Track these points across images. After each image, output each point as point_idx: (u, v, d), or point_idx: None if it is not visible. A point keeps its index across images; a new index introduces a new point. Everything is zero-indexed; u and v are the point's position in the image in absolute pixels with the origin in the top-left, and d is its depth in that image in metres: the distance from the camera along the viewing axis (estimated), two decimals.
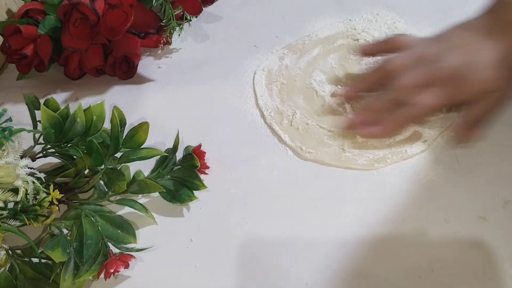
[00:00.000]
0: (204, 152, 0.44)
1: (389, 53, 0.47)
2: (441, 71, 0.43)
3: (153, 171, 0.44)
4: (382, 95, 0.45)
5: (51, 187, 0.38)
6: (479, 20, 0.44)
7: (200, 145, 0.44)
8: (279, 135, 0.46)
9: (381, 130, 0.43)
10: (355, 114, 0.46)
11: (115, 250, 0.38)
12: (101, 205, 0.41)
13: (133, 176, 0.43)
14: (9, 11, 0.57)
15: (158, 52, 0.58)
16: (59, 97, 0.53)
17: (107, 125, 0.43)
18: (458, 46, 0.43)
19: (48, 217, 0.37)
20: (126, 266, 0.37)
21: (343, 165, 0.43)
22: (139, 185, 0.41)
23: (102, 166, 0.41)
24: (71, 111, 0.43)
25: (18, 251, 0.38)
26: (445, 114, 0.45)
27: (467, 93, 0.43)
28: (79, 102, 0.50)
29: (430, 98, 0.42)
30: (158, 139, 0.46)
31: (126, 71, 0.54)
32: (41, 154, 0.43)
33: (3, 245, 0.36)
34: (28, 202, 0.37)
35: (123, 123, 0.43)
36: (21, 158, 0.38)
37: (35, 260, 0.37)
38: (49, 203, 0.37)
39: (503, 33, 0.42)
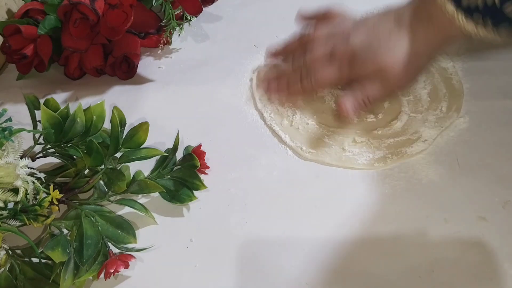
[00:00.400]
0: (204, 152, 0.44)
1: (318, 22, 0.50)
2: (343, 48, 0.45)
3: (153, 171, 0.44)
4: (292, 61, 0.49)
5: (51, 187, 0.38)
6: (399, 9, 0.45)
7: (200, 145, 0.44)
8: (279, 135, 0.46)
9: (280, 92, 0.48)
10: (268, 74, 0.51)
11: (115, 250, 0.38)
12: (101, 205, 0.41)
13: (133, 176, 0.43)
14: (9, 11, 0.57)
15: (158, 52, 0.58)
16: (59, 97, 0.53)
17: (107, 125, 0.43)
18: (369, 28, 0.45)
19: (48, 217, 0.37)
20: (126, 266, 0.37)
21: (343, 164, 0.43)
22: (139, 185, 0.41)
23: (102, 166, 0.41)
24: (71, 111, 0.43)
25: (18, 251, 0.38)
26: (340, 89, 0.49)
27: (361, 71, 0.44)
28: (79, 102, 0.50)
29: (326, 72, 0.45)
30: (158, 139, 0.46)
31: (126, 71, 0.54)
32: (41, 154, 0.43)
33: (3, 245, 0.36)
34: (28, 202, 0.37)
35: (123, 123, 0.43)
36: (21, 158, 0.38)
37: (35, 260, 0.37)
38: (49, 203, 0.37)
39: (417, 26, 0.42)
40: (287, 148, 0.46)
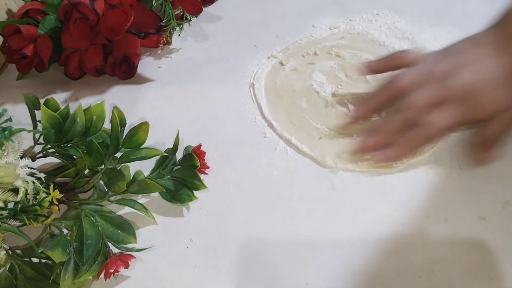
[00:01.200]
0: (204, 152, 0.44)
1: (396, 70, 0.46)
2: (453, 88, 0.41)
3: (153, 171, 0.44)
4: (393, 115, 0.43)
5: (51, 187, 0.38)
6: (488, 35, 0.43)
7: (200, 145, 0.44)
8: (295, 144, 0.45)
9: (395, 153, 0.42)
10: (366, 136, 0.44)
11: (115, 250, 0.38)
12: (101, 205, 0.41)
13: (133, 176, 0.43)
14: (9, 11, 0.57)
15: (158, 52, 0.58)
16: (59, 97, 0.53)
17: (107, 125, 0.43)
18: (468, 62, 0.42)
19: (48, 217, 0.37)
20: (126, 266, 0.37)
21: (364, 169, 0.43)
22: (139, 185, 0.41)
23: (102, 166, 0.41)
24: (71, 111, 0.43)
25: (18, 251, 0.38)
26: (460, 132, 0.44)
27: (481, 112, 0.41)
28: (79, 102, 0.50)
29: (444, 117, 0.41)
30: (158, 139, 0.46)
31: (126, 71, 0.54)
32: (41, 154, 0.43)
33: (3, 245, 0.36)
34: (28, 202, 0.37)
35: (123, 123, 0.43)
36: (21, 158, 0.38)
37: (35, 260, 0.37)
38: (49, 203, 0.37)
39: None
40: (287, 148, 0.46)
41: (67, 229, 0.38)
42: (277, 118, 0.48)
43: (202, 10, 0.53)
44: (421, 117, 0.41)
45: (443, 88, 0.41)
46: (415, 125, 0.41)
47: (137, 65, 0.54)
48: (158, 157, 0.44)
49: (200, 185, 0.42)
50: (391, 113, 0.44)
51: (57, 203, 0.37)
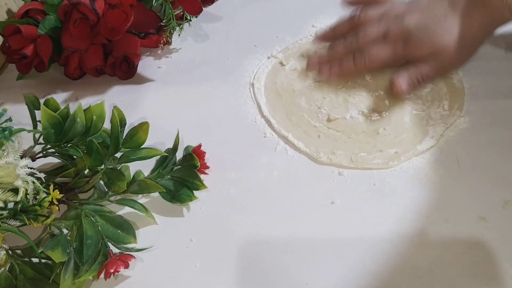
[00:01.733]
0: (204, 152, 0.44)
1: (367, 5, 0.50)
2: (395, 28, 0.46)
3: (153, 171, 0.44)
4: (344, 42, 0.49)
5: (51, 187, 0.38)
6: None
7: (200, 145, 0.44)
8: (292, 141, 0.46)
9: (334, 71, 0.48)
10: (320, 57, 0.50)
11: (115, 250, 0.38)
12: (101, 205, 0.41)
13: (133, 176, 0.43)
14: (9, 11, 0.57)
15: (158, 52, 0.58)
16: (59, 97, 0.53)
17: (107, 125, 0.43)
18: (423, 9, 0.46)
19: (48, 217, 0.37)
20: (126, 266, 0.37)
21: (359, 166, 0.43)
22: (139, 185, 0.41)
23: (102, 166, 0.41)
24: (71, 111, 0.43)
25: (18, 251, 0.38)
26: (395, 68, 0.47)
27: (409, 53, 0.46)
28: (79, 102, 0.50)
29: (378, 52, 0.46)
30: (158, 139, 0.46)
31: (126, 71, 0.54)
32: (41, 154, 0.43)
33: (3, 245, 0.36)
34: (28, 202, 0.37)
35: (123, 123, 0.43)
36: (21, 158, 0.38)
37: (35, 260, 0.37)
38: (49, 203, 0.37)
39: (472, 10, 0.44)
40: (287, 148, 0.46)
41: (67, 229, 0.38)
42: (276, 116, 0.48)
43: (202, 10, 0.53)
44: (362, 47, 0.47)
45: (388, 27, 0.46)
46: (359, 53, 0.47)
47: (137, 65, 0.54)
48: (158, 157, 0.44)
49: (200, 185, 0.42)
50: (343, 42, 0.49)
51: (57, 203, 0.37)
